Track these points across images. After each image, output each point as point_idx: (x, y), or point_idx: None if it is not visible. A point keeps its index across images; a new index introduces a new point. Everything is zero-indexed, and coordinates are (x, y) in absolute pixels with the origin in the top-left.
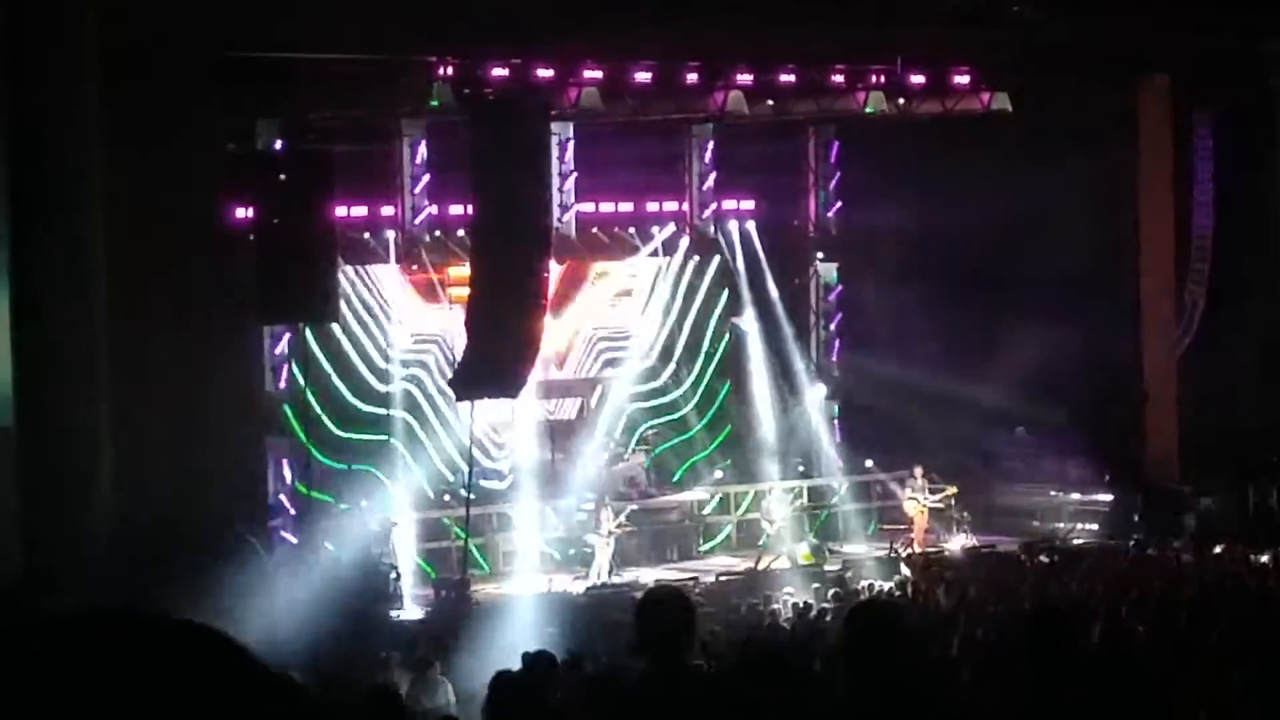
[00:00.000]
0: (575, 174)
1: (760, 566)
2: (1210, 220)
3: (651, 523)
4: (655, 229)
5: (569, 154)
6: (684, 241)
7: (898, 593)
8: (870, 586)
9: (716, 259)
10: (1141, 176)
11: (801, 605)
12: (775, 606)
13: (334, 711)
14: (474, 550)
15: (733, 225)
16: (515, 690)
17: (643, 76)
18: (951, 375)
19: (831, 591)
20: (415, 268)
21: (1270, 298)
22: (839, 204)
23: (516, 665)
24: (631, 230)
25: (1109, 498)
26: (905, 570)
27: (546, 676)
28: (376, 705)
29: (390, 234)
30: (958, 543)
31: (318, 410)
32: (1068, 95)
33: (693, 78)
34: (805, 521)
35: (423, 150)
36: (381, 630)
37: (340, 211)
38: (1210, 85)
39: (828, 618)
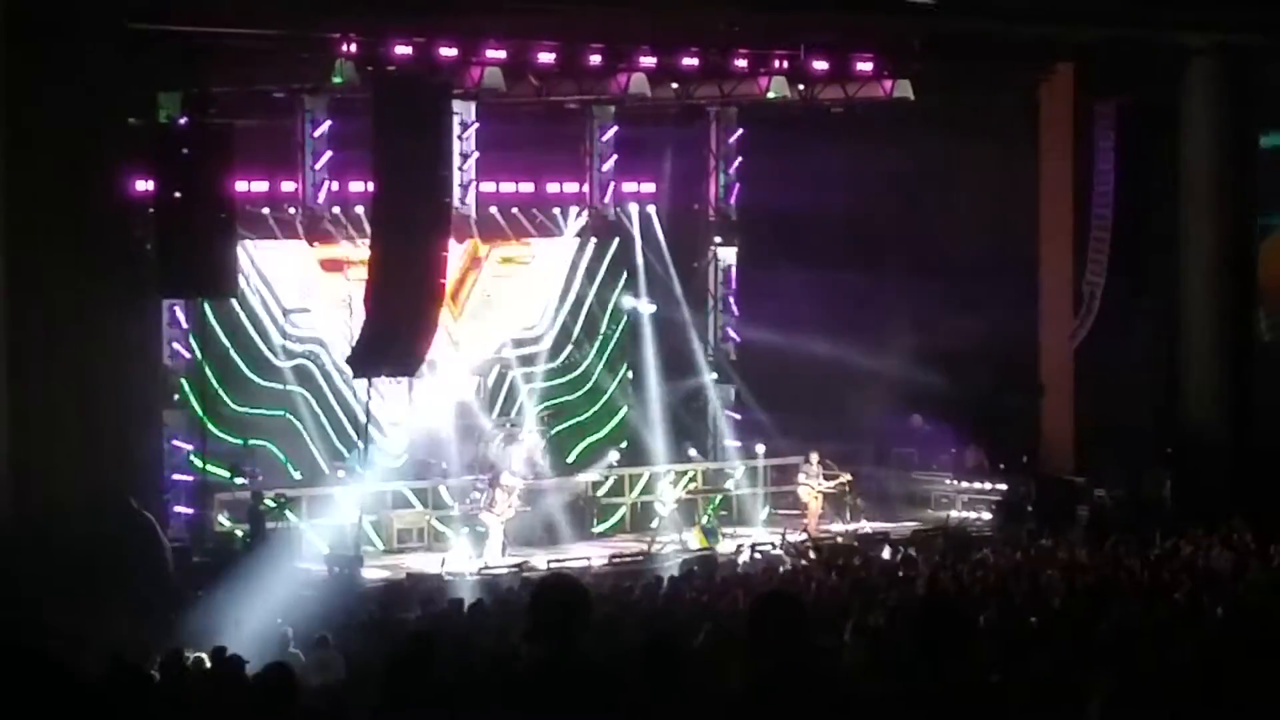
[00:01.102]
0: (476, 154)
1: (653, 550)
2: (1110, 211)
3: (546, 503)
4: (556, 210)
5: (470, 134)
6: (583, 223)
7: (789, 579)
8: (762, 572)
9: (616, 241)
10: (1043, 166)
11: (691, 590)
12: (665, 590)
13: (225, 685)
14: (367, 527)
15: (633, 208)
16: (407, 670)
17: (546, 57)
18: (849, 361)
19: (721, 576)
20: (315, 244)
21: (1168, 290)
22: (739, 188)
23: (407, 645)
24: (532, 211)
25: (1003, 487)
26: (797, 556)
27: (437, 657)
28: (270, 680)
29: (291, 210)
30: (851, 529)
31: (214, 385)
32: (970, 83)
33: (596, 59)
34: (699, 505)
35: (325, 127)
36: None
37: (241, 186)
38: (1113, 76)
39: (719, 602)
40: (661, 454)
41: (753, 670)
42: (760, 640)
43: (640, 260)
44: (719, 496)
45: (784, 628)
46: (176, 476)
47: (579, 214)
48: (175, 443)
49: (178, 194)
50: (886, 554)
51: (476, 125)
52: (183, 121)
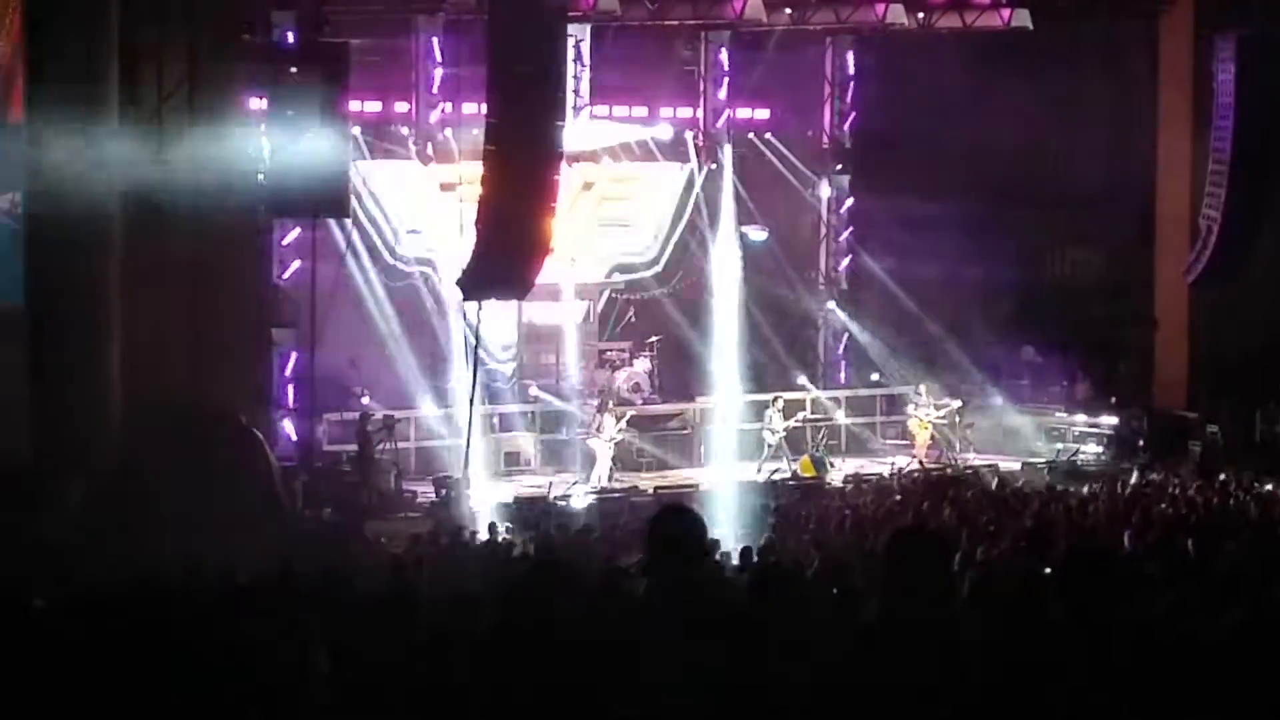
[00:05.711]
0: (590, 77)
1: (759, 478)
2: (1228, 145)
3: (653, 429)
4: (669, 134)
5: (585, 56)
6: (697, 149)
7: (897, 509)
8: (870, 502)
9: (729, 167)
10: (1161, 99)
11: (799, 520)
12: (772, 520)
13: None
14: (474, 450)
15: (747, 134)
16: (522, 594)
17: None
18: (961, 291)
19: (829, 506)
20: (428, 165)
21: None
22: (854, 116)
23: (521, 568)
24: (647, 135)
25: (1115, 421)
26: (906, 487)
27: (552, 583)
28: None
29: (404, 130)
30: (960, 460)
31: (325, 304)
32: (1089, 13)
33: None
34: (807, 434)
35: (439, 47)
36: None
37: (354, 105)
38: (1233, 8)
39: (827, 532)
40: (771, 382)
41: (889, 608)
42: (899, 579)
43: (752, 187)
44: (828, 425)
45: (926, 568)
46: (286, 395)
47: (693, 139)
48: (285, 361)
49: (290, 112)
50: (995, 486)
51: (591, 48)
52: (296, 39)
